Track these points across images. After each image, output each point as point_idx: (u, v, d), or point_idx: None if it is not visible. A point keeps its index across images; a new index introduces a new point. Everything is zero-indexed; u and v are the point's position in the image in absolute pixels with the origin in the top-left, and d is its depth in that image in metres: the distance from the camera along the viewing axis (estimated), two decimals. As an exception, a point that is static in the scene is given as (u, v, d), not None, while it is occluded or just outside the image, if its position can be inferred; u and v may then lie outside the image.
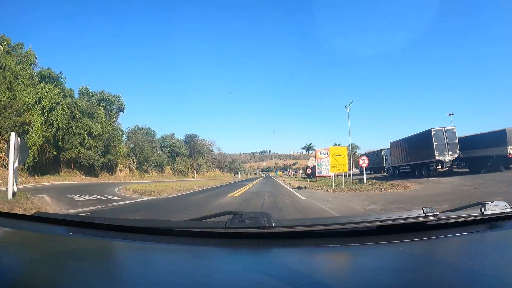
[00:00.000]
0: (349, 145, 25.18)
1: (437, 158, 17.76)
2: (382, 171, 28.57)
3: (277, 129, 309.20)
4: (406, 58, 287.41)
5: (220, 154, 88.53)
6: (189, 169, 57.45)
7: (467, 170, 18.38)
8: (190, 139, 67.64)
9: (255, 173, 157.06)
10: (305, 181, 27.14)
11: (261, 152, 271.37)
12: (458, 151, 17.70)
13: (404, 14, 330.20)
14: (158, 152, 49.55)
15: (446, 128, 18.17)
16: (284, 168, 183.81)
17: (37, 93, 21.79)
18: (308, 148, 79.19)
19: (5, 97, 19.76)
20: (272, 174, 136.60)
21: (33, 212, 1.38)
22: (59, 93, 23.95)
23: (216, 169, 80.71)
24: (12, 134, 7.29)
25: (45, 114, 22.16)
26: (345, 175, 16.35)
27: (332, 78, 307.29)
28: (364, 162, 17.12)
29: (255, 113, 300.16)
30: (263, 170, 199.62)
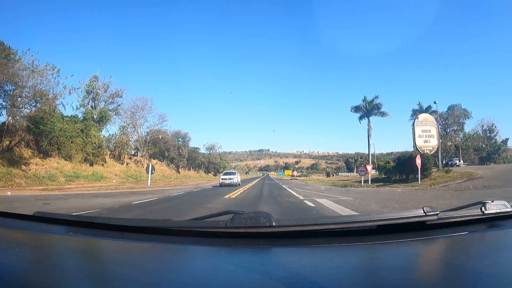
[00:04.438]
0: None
1: None
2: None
3: (277, 128, 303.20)
4: (408, 55, 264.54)
5: (178, 135, 50.23)
6: None
7: None
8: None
9: (245, 173, 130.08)
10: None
11: (259, 150, 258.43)
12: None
13: (406, 11, 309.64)
14: None
15: None
16: (286, 167, 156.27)
17: None
18: (369, 108, 37.06)
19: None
20: (272, 174, 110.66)
21: (33, 212, 1.34)
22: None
23: (165, 162, 44.67)
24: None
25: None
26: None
27: (333, 75, 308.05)
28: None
29: (254, 111, 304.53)
30: (261, 169, 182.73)
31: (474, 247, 1.02)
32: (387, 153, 72.19)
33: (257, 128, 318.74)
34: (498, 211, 1.15)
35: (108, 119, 30.47)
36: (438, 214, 1.07)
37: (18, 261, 0.89)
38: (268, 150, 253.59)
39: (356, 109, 39.57)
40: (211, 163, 66.28)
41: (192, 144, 60.49)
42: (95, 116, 29.74)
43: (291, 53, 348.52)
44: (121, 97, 33.31)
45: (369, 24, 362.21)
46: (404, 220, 1.05)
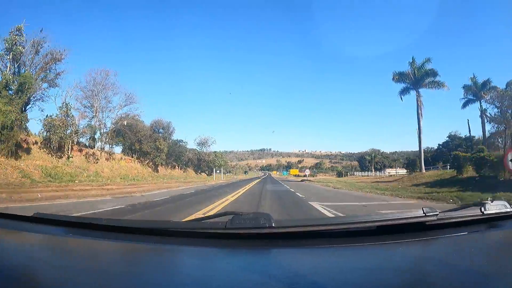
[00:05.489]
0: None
1: None
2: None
3: (279, 128, 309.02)
4: (406, 57, 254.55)
5: (158, 124, 40.77)
6: None
7: None
8: None
9: (245, 172, 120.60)
10: None
11: (261, 150, 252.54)
12: None
13: (404, 13, 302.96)
14: None
15: None
16: (288, 166, 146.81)
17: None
18: (418, 75, 25.43)
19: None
20: (274, 174, 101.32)
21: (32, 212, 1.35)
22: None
23: (135, 157, 34.23)
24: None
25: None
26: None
27: (332, 76, 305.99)
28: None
29: (255, 112, 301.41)
30: (262, 169, 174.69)
31: (474, 247, 1.03)
32: (430, 149, 52.75)
33: (258, 128, 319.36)
34: (498, 211, 1.15)
35: (29, 88, 19.58)
36: (437, 214, 1.06)
37: (18, 262, 0.89)
38: (270, 149, 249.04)
39: (400, 76, 27.02)
40: (202, 161, 56.15)
41: (181, 138, 50.59)
42: (14, 84, 19.99)
43: (291, 56, 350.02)
44: (60, 61, 22.80)
45: (369, 26, 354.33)
46: (403, 221, 1.05)
